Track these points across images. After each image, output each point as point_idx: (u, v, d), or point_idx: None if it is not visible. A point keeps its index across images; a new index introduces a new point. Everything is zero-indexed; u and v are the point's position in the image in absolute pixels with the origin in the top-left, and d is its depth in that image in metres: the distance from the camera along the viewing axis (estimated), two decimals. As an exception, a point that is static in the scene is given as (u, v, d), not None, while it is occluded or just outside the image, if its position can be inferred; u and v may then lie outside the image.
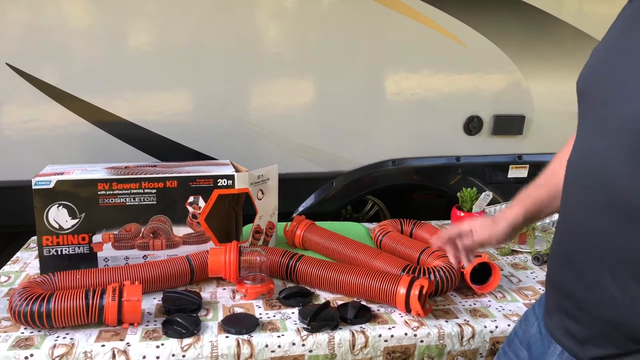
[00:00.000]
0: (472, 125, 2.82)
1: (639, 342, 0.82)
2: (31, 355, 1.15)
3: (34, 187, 1.45)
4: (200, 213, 1.55)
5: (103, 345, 1.18)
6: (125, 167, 1.61)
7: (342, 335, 1.24)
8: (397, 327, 1.28)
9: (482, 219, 1.20)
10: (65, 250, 1.50)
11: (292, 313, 1.34)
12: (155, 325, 1.27)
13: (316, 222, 1.80)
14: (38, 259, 1.52)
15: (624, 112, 0.78)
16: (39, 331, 1.23)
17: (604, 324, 0.84)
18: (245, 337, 1.22)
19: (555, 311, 0.95)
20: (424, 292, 1.31)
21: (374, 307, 1.37)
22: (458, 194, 1.93)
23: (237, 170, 1.60)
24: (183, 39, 2.54)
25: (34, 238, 1.70)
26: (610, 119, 0.81)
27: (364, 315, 1.30)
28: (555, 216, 1.05)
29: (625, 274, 0.79)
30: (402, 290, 1.32)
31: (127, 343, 1.19)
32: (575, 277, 0.88)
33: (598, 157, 0.81)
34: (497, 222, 1.15)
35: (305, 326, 1.25)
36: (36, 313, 1.21)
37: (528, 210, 1.13)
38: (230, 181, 1.55)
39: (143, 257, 1.56)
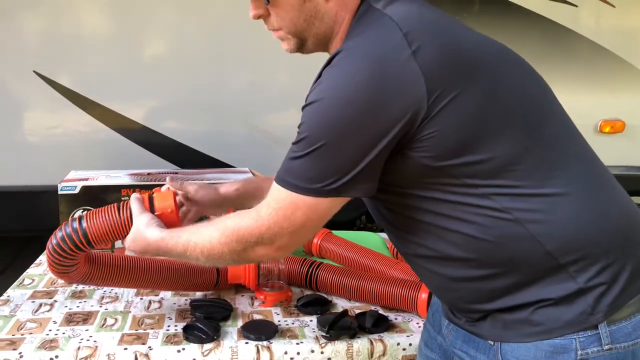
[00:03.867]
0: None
1: (459, 310, 1.00)
2: (56, 356, 1.17)
3: (60, 192, 1.49)
4: (220, 220, 1.57)
5: (126, 349, 1.20)
6: (148, 174, 1.65)
7: (361, 343, 1.26)
8: (415, 335, 1.29)
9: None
10: (88, 254, 1.53)
11: (310, 321, 1.36)
12: (176, 329, 1.29)
13: (332, 231, 1.81)
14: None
15: None
16: (63, 333, 1.26)
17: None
18: (265, 343, 1.24)
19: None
20: None
21: (391, 316, 1.38)
22: None
23: (257, 179, 1.62)
24: (202, 47, 2.58)
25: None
26: None
27: (381, 325, 1.31)
28: None
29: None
30: (423, 296, 1.34)
31: (149, 347, 1.21)
32: None
33: None
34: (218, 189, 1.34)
35: (324, 334, 1.26)
36: (72, 233, 1.17)
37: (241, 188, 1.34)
38: (251, 189, 1.57)
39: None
